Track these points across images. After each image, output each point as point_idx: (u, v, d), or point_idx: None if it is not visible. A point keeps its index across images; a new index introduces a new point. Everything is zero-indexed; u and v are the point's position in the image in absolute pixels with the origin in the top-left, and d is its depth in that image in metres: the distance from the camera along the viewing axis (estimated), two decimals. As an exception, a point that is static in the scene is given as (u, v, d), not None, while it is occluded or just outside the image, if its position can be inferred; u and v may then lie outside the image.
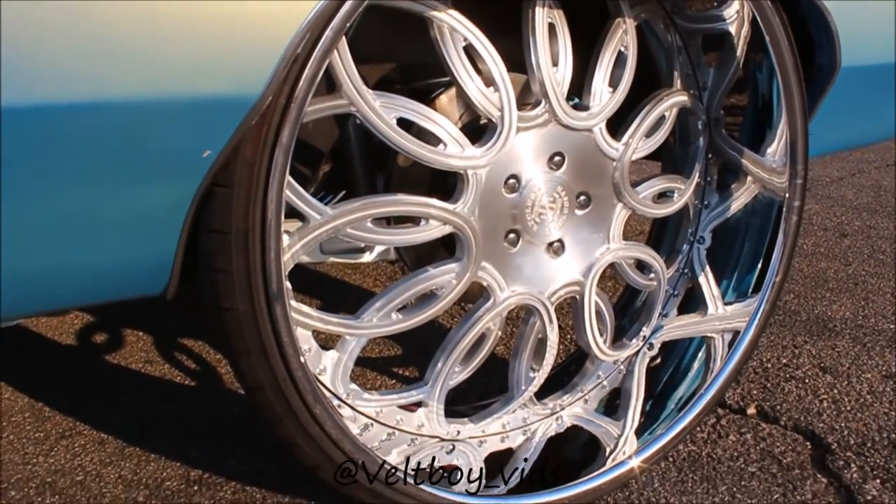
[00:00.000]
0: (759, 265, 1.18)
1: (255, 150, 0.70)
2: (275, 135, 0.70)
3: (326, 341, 0.92)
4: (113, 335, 1.61)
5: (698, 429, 1.22)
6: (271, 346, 0.76)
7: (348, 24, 0.74)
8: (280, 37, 0.68)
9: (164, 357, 1.54)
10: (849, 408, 1.30)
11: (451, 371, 0.95)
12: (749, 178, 1.14)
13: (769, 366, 1.44)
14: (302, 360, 0.81)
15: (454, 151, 0.86)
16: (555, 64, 0.91)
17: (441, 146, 0.86)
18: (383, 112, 0.82)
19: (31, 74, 0.60)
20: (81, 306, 0.82)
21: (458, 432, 1.00)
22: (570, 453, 1.13)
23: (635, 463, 1.07)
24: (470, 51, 0.86)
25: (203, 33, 0.64)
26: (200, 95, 0.66)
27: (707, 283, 1.16)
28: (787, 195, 1.11)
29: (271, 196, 0.72)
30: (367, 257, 1.13)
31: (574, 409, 1.10)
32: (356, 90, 0.79)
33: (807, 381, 1.39)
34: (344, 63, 0.78)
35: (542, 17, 0.89)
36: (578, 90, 0.98)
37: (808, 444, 1.20)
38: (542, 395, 1.07)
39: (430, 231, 0.87)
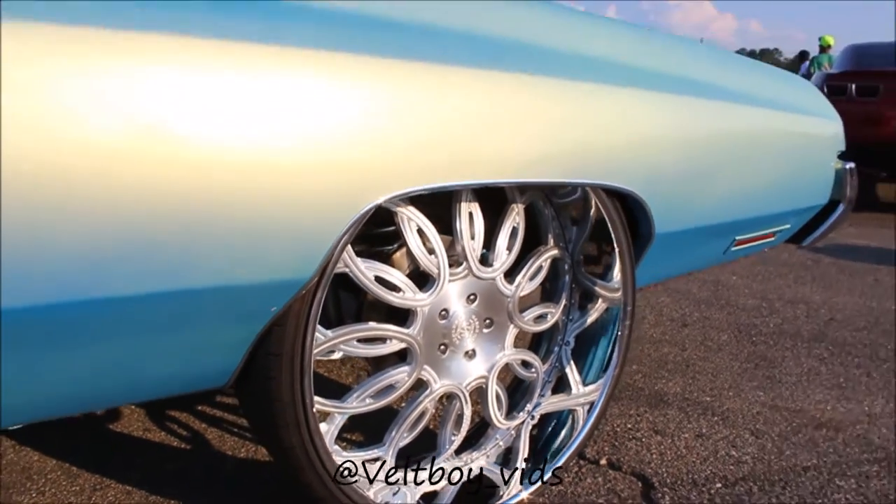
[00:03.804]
0: (608, 356, 1.71)
1: (301, 305, 1.17)
2: (312, 296, 1.18)
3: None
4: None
5: (564, 474, 1.73)
6: (302, 420, 1.22)
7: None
8: (324, 243, 1.12)
9: (158, 426, 1.95)
10: (670, 458, 1.84)
11: (401, 436, 1.43)
12: (600, 300, 1.68)
13: (618, 430, 1.97)
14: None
15: (409, 296, 1.35)
16: (472, 237, 1.42)
17: (401, 293, 1.35)
18: (367, 271, 1.30)
19: (163, 267, 1.04)
20: (170, 396, 1.23)
21: (402, 477, 1.47)
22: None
23: (525, 495, 1.57)
24: (420, 232, 1.36)
25: (282, 247, 1.07)
26: (277, 279, 1.11)
27: (572, 372, 1.69)
28: (621, 316, 1.65)
29: (309, 332, 1.19)
30: (336, 355, 1.59)
31: (479, 461, 1.59)
32: (352, 261, 1.27)
33: (643, 440, 1.93)
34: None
35: (465, 208, 1.40)
36: (488, 243, 1.49)
37: (639, 483, 1.73)
38: (458, 451, 1.56)
39: (392, 346, 1.36)
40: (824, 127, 2.08)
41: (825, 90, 6.07)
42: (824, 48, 10.30)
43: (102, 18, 0.89)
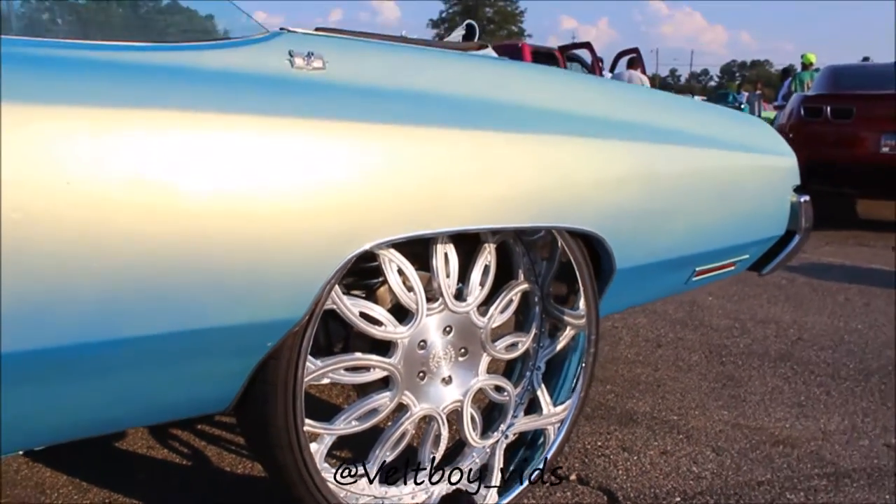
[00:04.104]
0: (575, 379, 1.87)
1: (293, 340, 1.32)
2: (303, 332, 1.33)
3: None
4: (126, 428, 2.14)
5: (536, 488, 1.89)
6: (294, 442, 1.37)
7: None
8: (315, 285, 1.28)
9: (161, 444, 2.10)
10: (635, 474, 1.99)
11: (385, 454, 1.58)
12: (569, 328, 1.84)
13: (588, 447, 2.13)
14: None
15: (390, 329, 1.51)
16: (448, 275, 1.58)
17: (383, 326, 1.50)
18: (353, 308, 1.46)
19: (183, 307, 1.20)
20: (175, 420, 1.38)
21: (386, 493, 1.62)
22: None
23: (496, 510, 1.72)
24: (401, 271, 1.51)
25: (277, 291, 1.23)
26: (273, 318, 1.26)
27: (542, 394, 1.84)
28: (586, 344, 1.81)
29: (301, 363, 1.34)
30: (325, 381, 1.75)
31: (457, 477, 1.74)
32: (339, 298, 1.43)
33: (611, 457, 2.08)
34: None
35: (441, 249, 1.56)
36: (462, 278, 1.64)
37: (605, 497, 1.88)
38: (437, 468, 1.71)
39: (375, 374, 1.51)
40: (779, 163, 2.25)
41: (802, 111, 6.26)
42: (806, 66, 10.52)
43: (134, 97, 1.05)
